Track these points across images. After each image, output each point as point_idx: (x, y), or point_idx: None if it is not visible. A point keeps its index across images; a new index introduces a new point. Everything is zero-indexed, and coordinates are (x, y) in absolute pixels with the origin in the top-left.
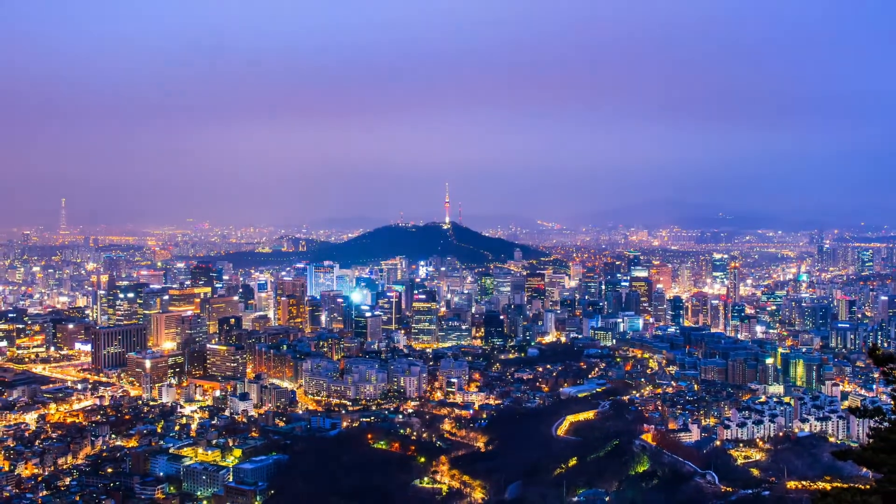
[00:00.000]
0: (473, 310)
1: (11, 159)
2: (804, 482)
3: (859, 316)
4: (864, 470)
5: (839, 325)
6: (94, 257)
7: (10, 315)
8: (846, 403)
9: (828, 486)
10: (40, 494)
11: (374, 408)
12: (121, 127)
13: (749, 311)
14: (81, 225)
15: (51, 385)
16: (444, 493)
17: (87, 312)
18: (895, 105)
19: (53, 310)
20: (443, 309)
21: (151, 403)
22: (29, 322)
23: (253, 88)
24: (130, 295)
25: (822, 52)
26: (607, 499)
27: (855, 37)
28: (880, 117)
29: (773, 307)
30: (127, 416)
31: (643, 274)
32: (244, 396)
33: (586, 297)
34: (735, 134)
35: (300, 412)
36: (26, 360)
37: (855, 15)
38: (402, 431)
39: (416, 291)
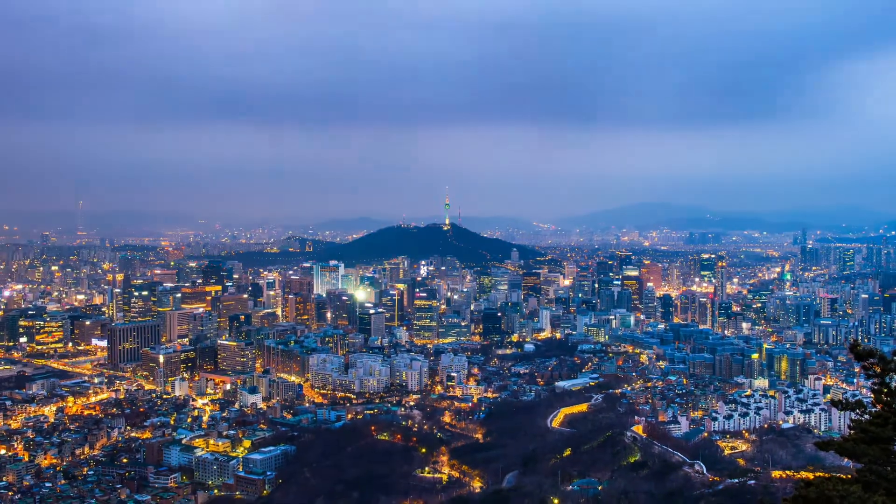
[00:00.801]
0: (472, 307)
1: (33, 164)
2: (788, 472)
3: (841, 313)
4: (846, 460)
5: (822, 321)
6: (109, 257)
7: (30, 312)
8: (828, 397)
9: (811, 476)
10: (59, 483)
11: (377, 401)
12: (134, 131)
13: (735, 308)
14: (98, 227)
15: (69, 379)
16: (444, 482)
17: (103, 310)
18: (873, 112)
19: (71, 307)
20: (443, 306)
21: (165, 397)
22: (48, 319)
23: (263, 94)
24: (145, 293)
25: (807, 61)
26: (600, 488)
27: (838, 46)
28: (860, 123)
29: (759, 305)
30: (141, 409)
31: (634, 273)
32: (253, 390)
33: (580, 295)
34: (721, 139)
35: (307, 405)
36: (46, 355)
37: (840, 24)
38: (404, 423)
39: (417, 290)
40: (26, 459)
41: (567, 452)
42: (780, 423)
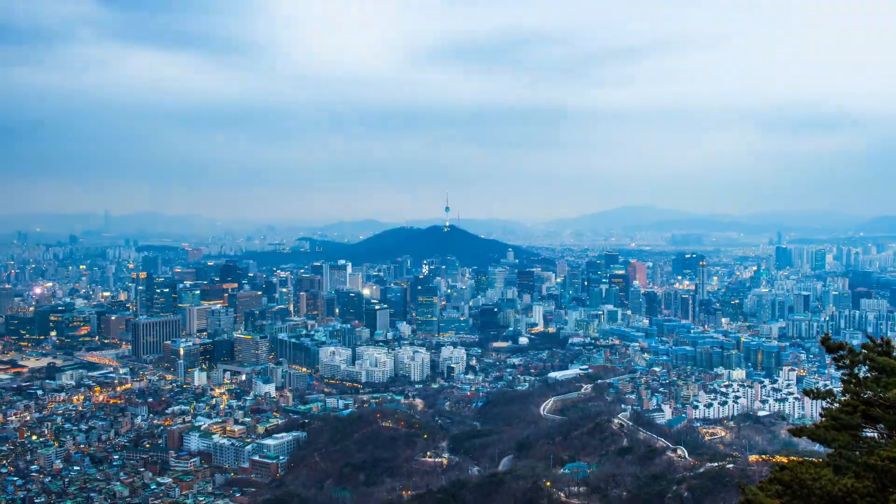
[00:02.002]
0: (471, 303)
1: (64, 171)
2: (764, 456)
3: (812, 310)
4: (818, 446)
5: (795, 317)
6: (134, 257)
7: (59, 308)
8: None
9: (785, 460)
10: (86, 467)
11: (382, 390)
12: (153, 139)
13: (715, 304)
14: (123, 228)
15: (96, 370)
16: (444, 466)
17: (128, 306)
18: (850, 117)
19: (98, 303)
20: (443, 302)
21: (185, 387)
22: (76, 314)
23: (270, 100)
24: (166, 290)
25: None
26: (589, 471)
27: (820, 52)
28: (837, 128)
29: (737, 301)
30: (163, 398)
31: (621, 272)
32: (267, 380)
33: (571, 293)
34: (707, 141)
35: (316, 394)
36: (74, 348)
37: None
38: (407, 411)
39: (419, 287)
40: (56, 445)
41: (558, 438)
42: (757, 411)
